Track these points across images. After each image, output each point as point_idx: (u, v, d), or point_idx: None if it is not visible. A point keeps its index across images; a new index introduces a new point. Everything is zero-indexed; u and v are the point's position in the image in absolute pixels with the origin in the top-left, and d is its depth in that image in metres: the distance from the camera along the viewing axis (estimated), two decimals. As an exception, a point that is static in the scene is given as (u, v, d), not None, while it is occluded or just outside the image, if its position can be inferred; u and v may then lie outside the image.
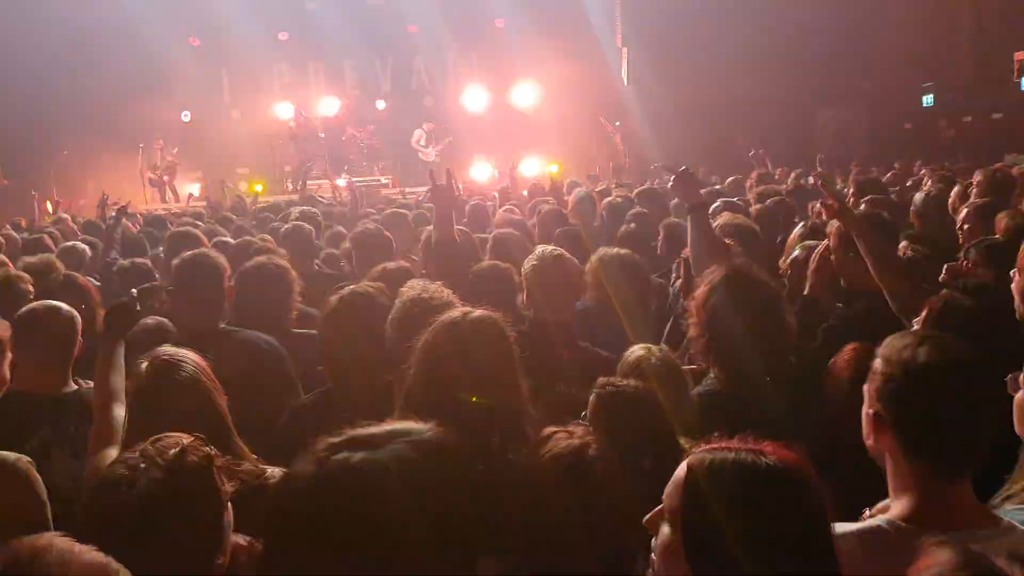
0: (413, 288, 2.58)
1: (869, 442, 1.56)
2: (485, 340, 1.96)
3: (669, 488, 1.24)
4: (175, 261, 3.31)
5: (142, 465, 1.47)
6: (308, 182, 16.43)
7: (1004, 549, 0.92)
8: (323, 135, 17.39)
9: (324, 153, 17.31)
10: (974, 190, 5.09)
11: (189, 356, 2.17)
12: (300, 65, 18.41)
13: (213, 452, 1.56)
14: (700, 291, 2.40)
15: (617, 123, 16.68)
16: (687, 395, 2.32)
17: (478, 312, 2.03)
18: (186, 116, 17.52)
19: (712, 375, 2.38)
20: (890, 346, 1.56)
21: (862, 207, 4.34)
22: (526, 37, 17.51)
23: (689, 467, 1.21)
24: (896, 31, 14.01)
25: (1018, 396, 1.75)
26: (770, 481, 1.16)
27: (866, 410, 1.57)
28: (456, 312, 2.05)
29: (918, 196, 5.10)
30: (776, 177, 8.91)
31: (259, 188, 15.70)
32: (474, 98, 18.22)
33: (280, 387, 2.96)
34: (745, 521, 1.13)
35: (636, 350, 2.42)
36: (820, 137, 14.41)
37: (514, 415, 1.89)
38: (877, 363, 1.55)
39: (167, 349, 2.21)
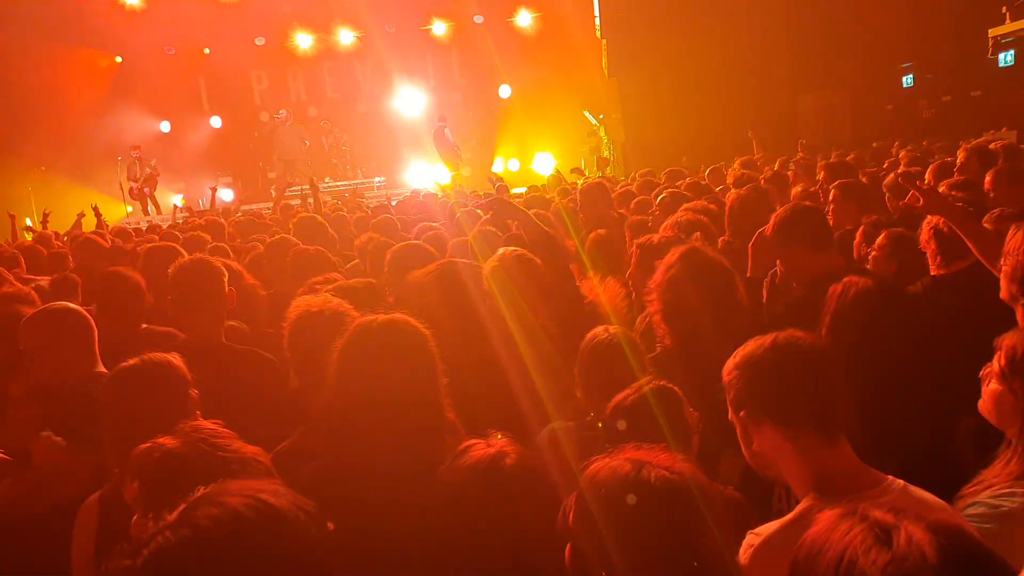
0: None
1: (751, 450, 1.61)
2: (399, 347, 1.87)
3: (564, 502, 1.24)
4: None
5: None
6: (290, 189, 16.43)
7: (887, 505, 0.93)
8: (307, 142, 17.33)
9: (305, 155, 17.24)
10: (958, 166, 5.09)
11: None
12: (278, 70, 18.32)
13: None
14: (658, 271, 2.52)
15: (601, 116, 16.65)
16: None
17: (389, 317, 1.94)
18: (165, 126, 17.43)
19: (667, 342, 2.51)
20: (738, 355, 1.65)
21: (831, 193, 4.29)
22: (505, 33, 17.56)
23: (581, 482, 1.21)
24: (873, 13, 13.99)
25: (990, 388, 1.76)
26: (649, 495, 1.15)
27: (736, 418, 1.63)
28: (368, 319, 1.96)
29: (890, 177, 5.09)
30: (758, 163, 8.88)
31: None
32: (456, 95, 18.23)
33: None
34: (623, 536, 1.14)
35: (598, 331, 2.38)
36: (802, 122, 14.38)
37: (431, 430, 1.81)
38: (731, 373, 1.64)
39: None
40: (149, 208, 15.92)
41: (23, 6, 14.53)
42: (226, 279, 2.91)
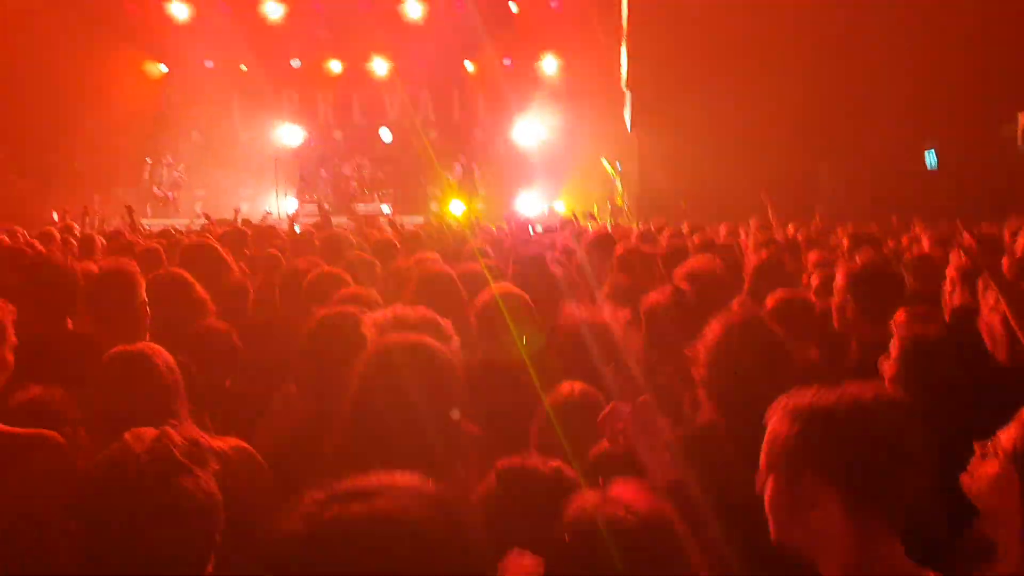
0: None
1: (796, 521, 1.40)
2: (417, 368, 1.87)
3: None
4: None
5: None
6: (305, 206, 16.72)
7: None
8: (323, 170, 17.67)
9: (327, 178, 17.50)
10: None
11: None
12: (309, 92, 18.69)
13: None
14: (707, 337, 2.31)
15: (618, 165, 16.86)
16: None
17: (407, 337, 1.95)
18: (195, 136, 17.75)
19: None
20: (800, 400, 1.44)
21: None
22: (530, 76, 17.91)
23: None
24: (899, 87, 14.17)
25: (987, 467, 1.57)
26: (629, 542, 1.20)
27: (781, 479, 1.41)
28: (390, 338, 1.97)
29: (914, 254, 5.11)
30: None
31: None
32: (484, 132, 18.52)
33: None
34: None
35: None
36: (820, 191, 14.50)
37: (450, 449, 1.82)
38: (789, 423, 1.42)
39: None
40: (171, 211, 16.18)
41: (78, 10, 14.96)
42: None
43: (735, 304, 3.79)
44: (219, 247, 4.54)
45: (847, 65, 14.23)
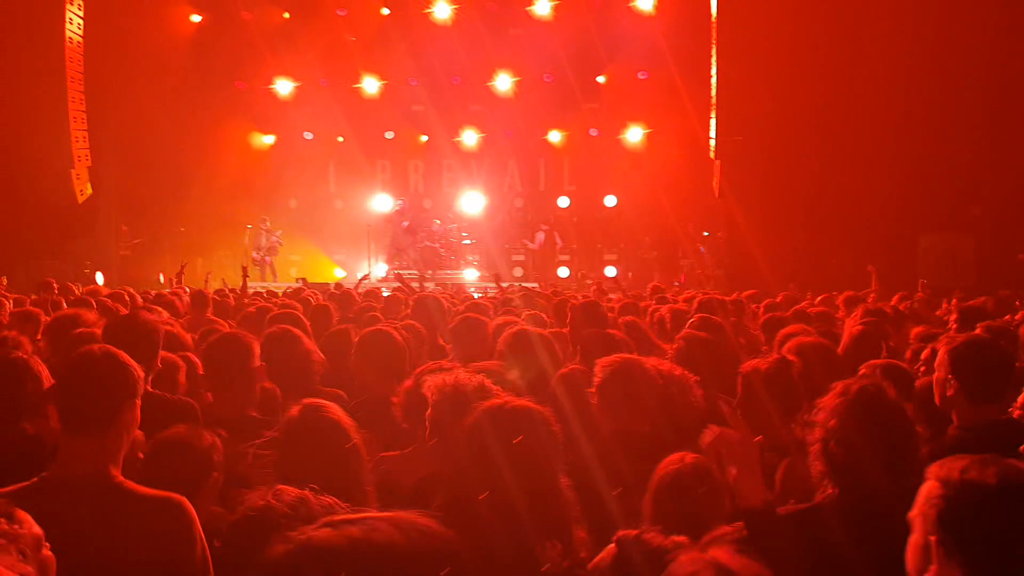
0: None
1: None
2: (527, 430, 1.91)
3: None
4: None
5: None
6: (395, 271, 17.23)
7: None
8: (406, 223, 18.22)
9: (417, 245, 18.00)
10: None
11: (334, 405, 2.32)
12: (401, 162, 19.46)
13: None
14: (826, 405, 2.24)
15: (705, 233, 16.72)
16: None
17: (519, 400, 2.00)
18: (293, 203, 18.65)
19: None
20: (950, 468, 1.44)
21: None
22: (616, 146, 18.12)
23: None
24: (1004, 157, 13.64)
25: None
26: None
27: (919, 540, 1.44)
28: (497, 400, 2.02)
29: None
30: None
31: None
32: (564, 200, 18.74)
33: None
34: None
35: None
36: (922, 263, 13.94)
37: (559, 518, 1.83)
38: (937, 487, 1.43)
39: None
40: (267, 274, 16.94)
41: (190, 87, 16.22)
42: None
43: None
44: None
45: (948, 130, 13.82)
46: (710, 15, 15.99)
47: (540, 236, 18.02)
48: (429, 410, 2.50)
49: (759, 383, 3.11)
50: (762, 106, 14.60)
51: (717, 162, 15.71)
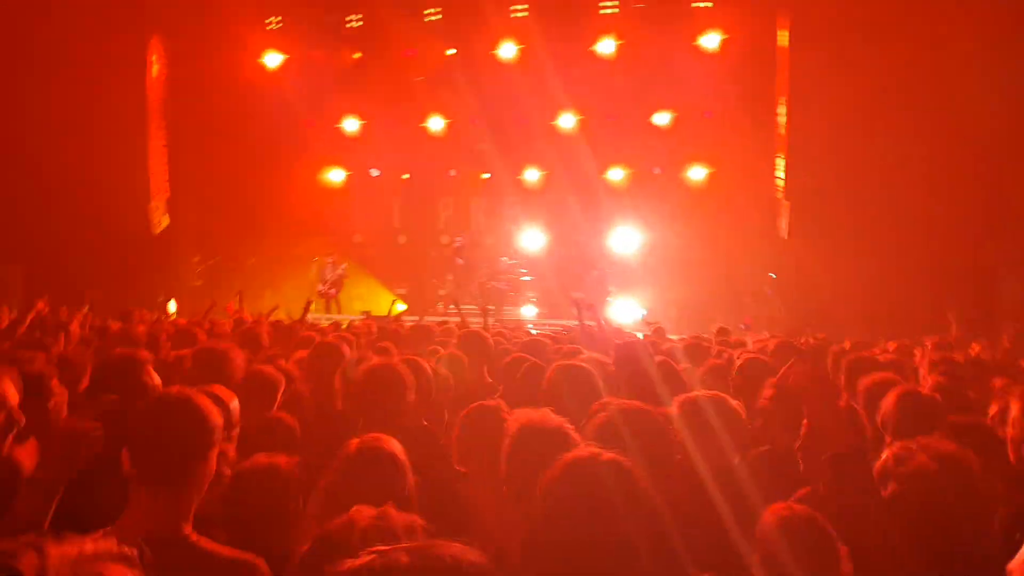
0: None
1: None
2: (614, 490, 1.83)
3: None
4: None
5: None
6: (454, 306, 17.32)
7: None
8: (461, 260, 18.38)
9: (477, 281, 18.12)
10: None
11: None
12: (464, 199, 19.68)
13: None
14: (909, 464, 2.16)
15: (771, 275, 16.35)
16: None
17: (610, 455, 1.92)
18: (358, 238, 19.04)
19: None
20: None
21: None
22: (679, 184, 17.96)
23: None
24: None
25: None
26: None
27: None
28: (584, 452, 1.96)
29: None
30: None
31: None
32: (625, 238, 18.58)
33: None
34: None
35: None
36: (1006, 306, 13.31)
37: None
38: None
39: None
40: (331, 307, 17.25)
41: (264, 124, 16.86)
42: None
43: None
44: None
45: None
46: (778, 54, 15.86)
47: (595, 274, 17.91)
48: (506, 450, 2.46)
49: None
50: (832, 145, 14.31)
51: (785, 202, 15.41)
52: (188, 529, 2.05)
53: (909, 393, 3.54)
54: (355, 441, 2.49)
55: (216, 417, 2.16)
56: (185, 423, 2.09)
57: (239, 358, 3.73)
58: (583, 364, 4.11)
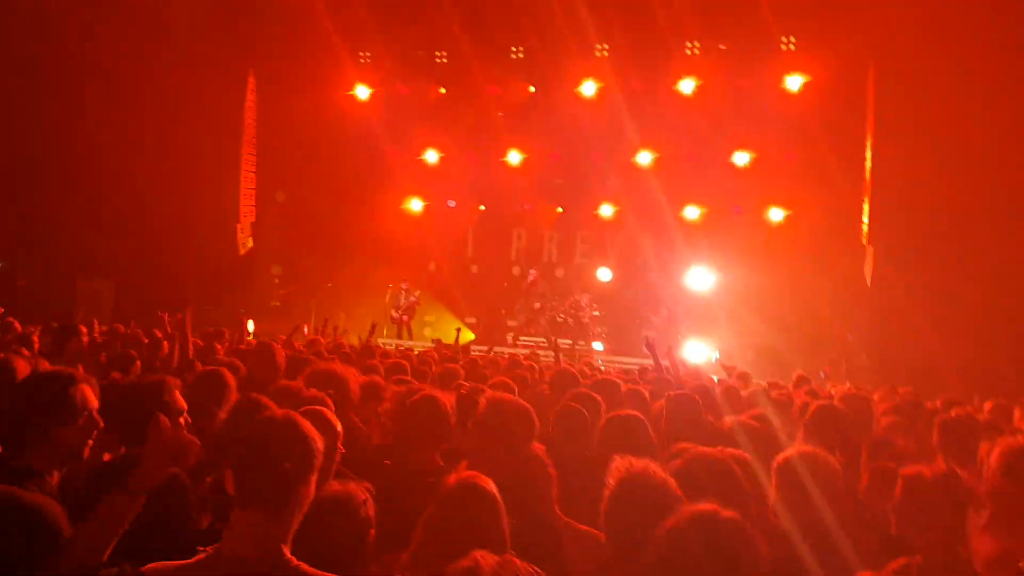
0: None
1: None
2: (728, 548, 1.84)
3: None
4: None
5: None
6: (523, 338, 17.44)
7: None
8: (537, 304, 18.40)
9: (547, 314, 18.13)
10: None
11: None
12: (537, 232, 19.81)
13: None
14: None
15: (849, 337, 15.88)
16: None
17: (728, 514, 1.91)
18: (432, 266, 19.35)
19: None
20: None
21: None
22: (758, 222, 17.66)
23: None
24: None
25: None
26: None
27: None
28: (704, 508, 1.94)
29: None
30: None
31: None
32: (699, 278, 18.35)
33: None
34: None
35: None
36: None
37: None
38: None
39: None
40: (403, 334, 17.53)
41: (348, 153, 17.40)
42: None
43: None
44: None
45: None
46: (864, 97, 15.56)
47: (663, 311, 17.72)
48: (607, 504, 2.45)
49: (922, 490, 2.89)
50: (919, 189, 13.90)
51: (870, 248, 14.99)
52: (288, 553, 2.06)
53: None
54: (454, 477, 2.51)
55: (319, 441, 2.16)
56: (289, 446, 2.10)
57: (353, 380, 3.86)
58: (637, 414, 4.07)
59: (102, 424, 2.63)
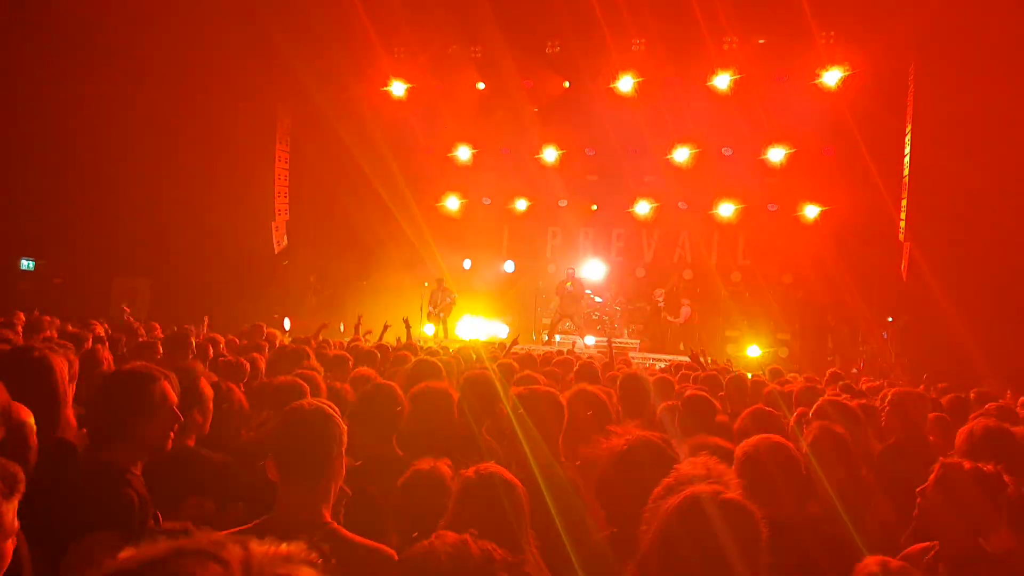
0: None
1: None
2: (734, 530, 1.82)
3: None
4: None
5: None
6: (557, 336, 17.42)
7: None
8: (590, 294, 18.37)
9: (582, 312, 18.11)
10: None
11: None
12: (572, 230, 19.77)
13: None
14: None
15: (889, 319, 15.60)
16: None
17: (729, 495, 1.90)
18: (467, 264, 19.41)
19: None
20: None
21: None
22: (794, 219, 17.44)
23: None
24: None
25: None
26: None
27: None
28: (704, 488, 1.94)
29: None
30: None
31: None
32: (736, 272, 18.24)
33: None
34: None
35: None
36: None
37: None
38: None
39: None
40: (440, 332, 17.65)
41: (383, 150, 17.55)
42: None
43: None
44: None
45: None
46: (905, 92, 15.27)
47: (686, 311, 17.56)
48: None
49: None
50: (961, 186, 13.62)
51: (907, 244, 14.72)
52: (328, 516, 2.37)
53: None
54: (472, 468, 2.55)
55: (341, 422, 2.48)
56: (318, 429, 2.41)
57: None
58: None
59: (182, 419, 2.83)
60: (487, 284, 19.16)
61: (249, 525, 2.28)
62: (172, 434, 2.76)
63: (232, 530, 2.24)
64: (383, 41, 17.07)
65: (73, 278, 17.42)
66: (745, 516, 1.87)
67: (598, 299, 18.77)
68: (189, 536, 0.81)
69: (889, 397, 5.24)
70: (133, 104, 16.08)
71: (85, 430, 2.92)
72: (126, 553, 0.79)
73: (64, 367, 3.05)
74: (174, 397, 2.79)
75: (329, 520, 2.33)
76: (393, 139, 17.87)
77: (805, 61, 16.01)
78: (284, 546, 0.81)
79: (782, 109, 16.50)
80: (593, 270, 19.00)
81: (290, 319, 16.64)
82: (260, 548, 0.80)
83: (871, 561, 2.16)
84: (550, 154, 18.42)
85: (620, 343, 17.82)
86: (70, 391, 3.16)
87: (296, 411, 2.46)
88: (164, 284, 17.35)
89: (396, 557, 2.22)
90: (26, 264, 18.14)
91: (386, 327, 10.49)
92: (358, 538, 2.32)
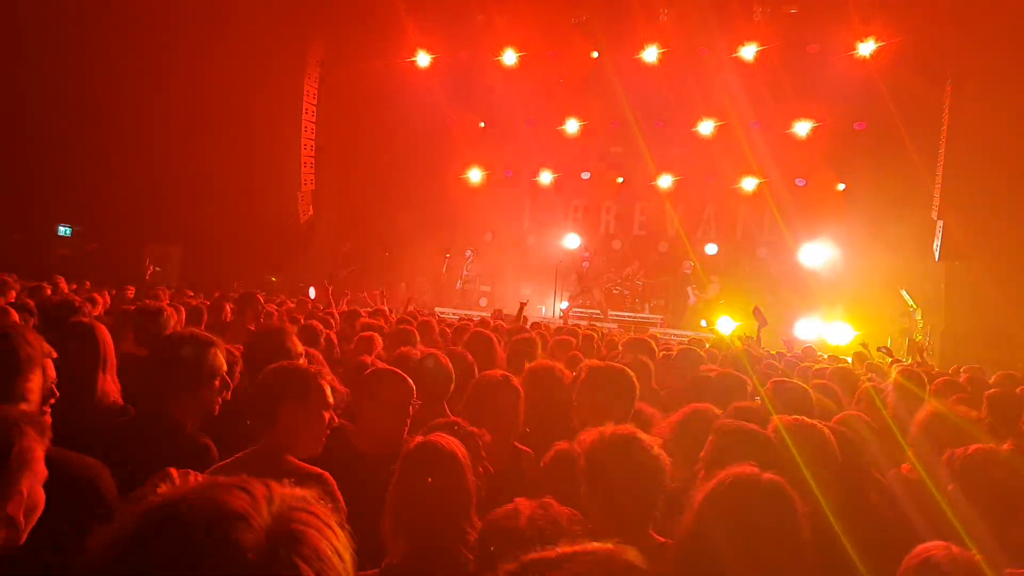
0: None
1: None
2: (773, 513, 1.81)
3: None
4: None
5: None
6: (574, 309, 17.41)
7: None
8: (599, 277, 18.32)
9: (600, 286, 18.06)
10: None
11: None
12: (595, 203, 19.62)
13: None
14: None
15: (903, 292, 15.39)
16: None
17: (769, 477, 1.87)
18: (488, 236, 19.39)
19: None
20: None
21: None
22: (824, 198, 17.16)
23: None
24: None
25: None
26: None
27: None
28: (746, 470, 1.91)
29: None
30: None
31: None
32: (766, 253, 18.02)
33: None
34: None
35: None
36: None
37: None
38: None
39: None
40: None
41: (408, 122, 17.46)
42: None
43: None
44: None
45: None
46: (944, 64, 14.85)
47: (715, 286, 17.44)
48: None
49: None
50: (993, 163, 13.35)
51: (940, 222, 14.47)
52: (288, 456, 2.66)
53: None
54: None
55: (307, 376, 2.77)
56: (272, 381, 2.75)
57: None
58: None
59: (232, 385, 3.04)
60: (507, 256, 19.12)
61: (229, 460, 2.63)
62: (220, 400, 2.92)
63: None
64: (409, 11, 16.91)
65: (107, 244, 17.71)
66: (784, 498, 1.86)
67: (638, 278, 18.62)
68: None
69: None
70: (166, 75, 16.19)
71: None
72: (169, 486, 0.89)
73: (107, 336, 3.11)
74: (224, 366, 2.93)
75: (289, 458, 2.62)
76: (420, 110, 17.77)
77: (839, 30, 15.63)
78: (299, 489, 0.91)
79: (813, 81, 16.14)
80: (570, 241, 18.89)
81: (315, 288, 16.74)
82: (281, 488, 0.90)
83: (935, 544, 2.13)
84: (573, 126, 18.24)
85: (641, 318, 17.79)
86: (111, 360, 3.21)
87: (278, 370, 2.80)
88: (194, 251, 17.58)
89: (329, 479, 2.47)
90: (63, 231, 18.47)
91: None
92: (307, 467, 2.60)
